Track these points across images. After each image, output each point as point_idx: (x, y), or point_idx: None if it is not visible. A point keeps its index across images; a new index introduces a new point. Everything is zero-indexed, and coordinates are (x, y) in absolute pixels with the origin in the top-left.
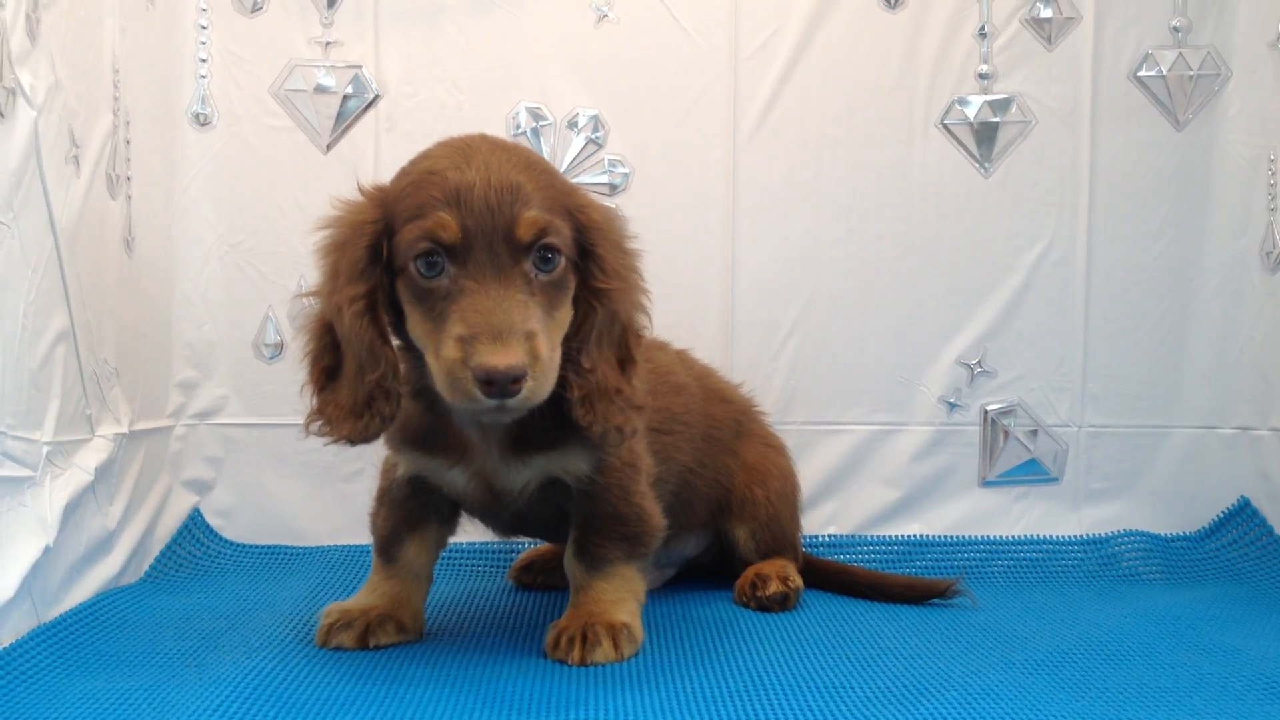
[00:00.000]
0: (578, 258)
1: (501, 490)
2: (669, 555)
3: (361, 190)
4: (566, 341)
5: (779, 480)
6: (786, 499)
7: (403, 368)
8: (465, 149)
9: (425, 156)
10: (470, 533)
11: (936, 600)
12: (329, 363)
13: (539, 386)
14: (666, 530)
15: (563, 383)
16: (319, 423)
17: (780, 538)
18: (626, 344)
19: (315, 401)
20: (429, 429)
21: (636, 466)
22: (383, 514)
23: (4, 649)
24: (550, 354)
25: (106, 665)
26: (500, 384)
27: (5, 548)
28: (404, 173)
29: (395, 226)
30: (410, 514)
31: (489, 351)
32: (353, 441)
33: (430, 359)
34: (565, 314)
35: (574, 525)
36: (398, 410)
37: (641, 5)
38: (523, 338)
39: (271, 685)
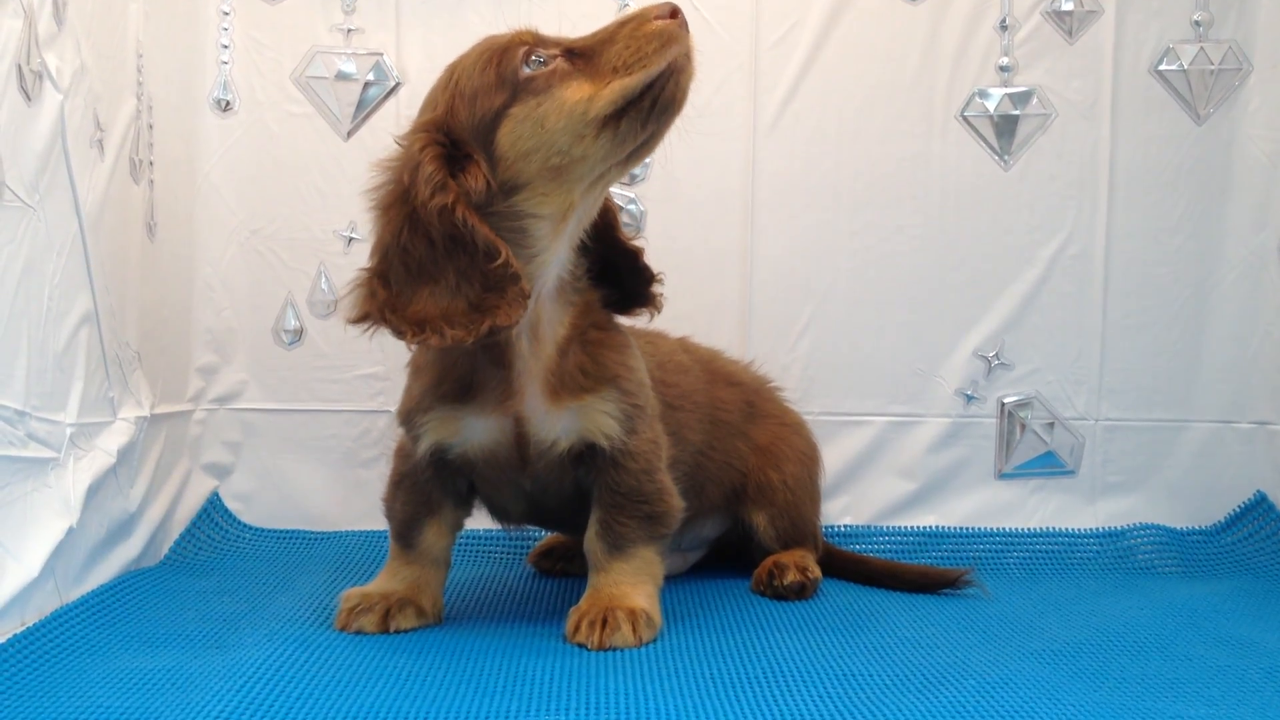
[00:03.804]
0: None
1: (534, 443)
2: (688, 538)
3: (398, 140)
4: None
5: (796, 464)
6: (804, 484)
7: None
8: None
9: (441, 78)
10: (488, 519)
11: (949, 590)
12: (421, 258)
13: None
14: (685, 510)
15: None
16: (413, 323)
17: (800, 526)
18: None
19: (386, 297)
20: (466, 375)
21: (659, 444)
22: (400, 499)
23: (28, 629)
24: None
25: (129, 645)
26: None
27: (30, 528)
28: (431, 99)
29: (468, 112)
30: (428, 497)
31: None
32: (507, 326)
33: (605, 94)
34: None
35: (596, 504)
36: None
37: None
38: None
39: (294, 667)
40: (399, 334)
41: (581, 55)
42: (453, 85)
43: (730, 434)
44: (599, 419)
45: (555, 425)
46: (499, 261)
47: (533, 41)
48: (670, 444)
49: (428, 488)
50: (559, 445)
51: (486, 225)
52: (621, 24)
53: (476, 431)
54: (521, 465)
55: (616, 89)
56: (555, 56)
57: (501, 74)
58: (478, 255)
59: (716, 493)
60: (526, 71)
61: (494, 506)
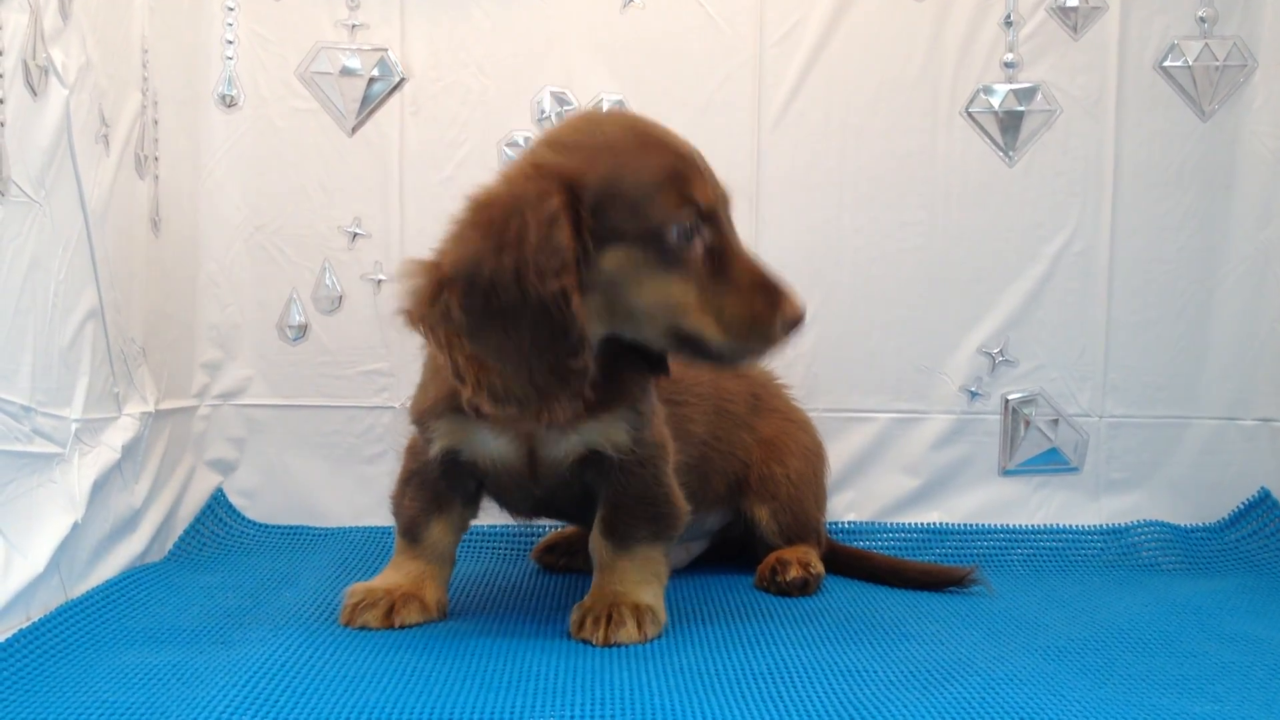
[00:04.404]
0: None
1: (543, 458)
2: (691, 528)
3: (533, 164)
4: None
5: (800, 459)
6: (808, 480)
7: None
8: (634, 123)
9: (596, 134)
10: (492, 515)
11: (954, 588)
12: (468, 325)
13: None
14: (690, 516)
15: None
16: (492, 396)
17: (803, 521)
18: None
19: (468, 369)
20: None
21: (666, 448)
22: (408, 495)
23: (33, 624)
24: None
25: (134, 641)
26: (799, 326)
27: (35, 523)
28: (591, 150)
29: (609, 205)
30: (437, 495)
31: (793, 303)
32: (563, 423)
33: (702, 320)
34: None
35: (603, 503)
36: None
37: None
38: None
39: (298, 662)
40: (458, 375)
41: (716, 253)
42: (606, 147)
43: (735, 425)
44: (609, 433)
45: (566, 443)
46: (579, 363)
47: (703, 194)
48: (675, 444)
49: (437, 486)
50: (569, 458)
51: (585, 319)
52: (764, 278)
53: (488, 443)
54: (531, 475)
55: (703, 331)
56: (700, 234)
57: (660, 201)
58: (563, 344)
59: (721, 484)
60: (671, 234)
61: (503, 503)
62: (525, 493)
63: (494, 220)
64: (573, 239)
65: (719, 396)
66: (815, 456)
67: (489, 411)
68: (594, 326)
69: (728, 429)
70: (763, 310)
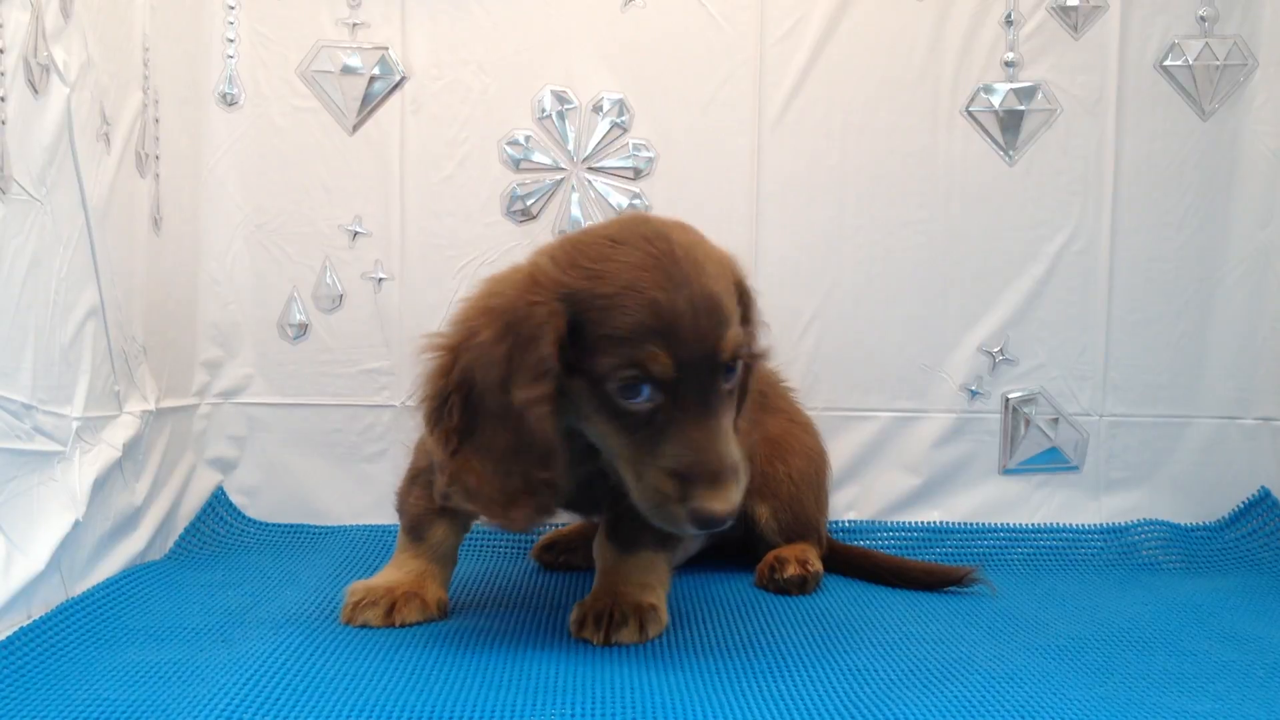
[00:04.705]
0: None
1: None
2: None
3: (537, 270)
4: None
5: (803, 459)
6: (810, 480)
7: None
8: (658, 258)
9: (608, 258)
10: None
11: (955, 588)
12: (460, 422)
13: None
14: None
15: None
16: (463, 495)
17: (803, 520)
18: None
19: (449, 466)
20: None
21: None
22: (415, 493)
23: (34, 621)
24: (746, 468)
25: (135, 639)
26: (715, 525)
27: (36, 521)
28: (586, 271)
29: (586, 332)
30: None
31: (709, 497)
32: (521, 531)
33: (628, 475)
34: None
35: (610, 508)
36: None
37: None
38: (736, 476)
39: (299, 660)
40: (440, 467)
41: (664, 421)
42: (609, 276)
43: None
44: None
45: (581, 469)
46: (547, 475)
47: (657, 366)
48: None
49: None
50: (584, 474)
51: (554, 433)
52: (695, 463)
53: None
54: None
55: (628, 486)
56: (652, 396)
57: (613, 353)
58: (533, 454)
59: None
60: (613, 388)
61: None
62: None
63: (494, 325)
64: (554, 354)
65: None
66: (817, 458)
67: (454, 507)
68: (580, 439)
69: None
70: (673, 496)
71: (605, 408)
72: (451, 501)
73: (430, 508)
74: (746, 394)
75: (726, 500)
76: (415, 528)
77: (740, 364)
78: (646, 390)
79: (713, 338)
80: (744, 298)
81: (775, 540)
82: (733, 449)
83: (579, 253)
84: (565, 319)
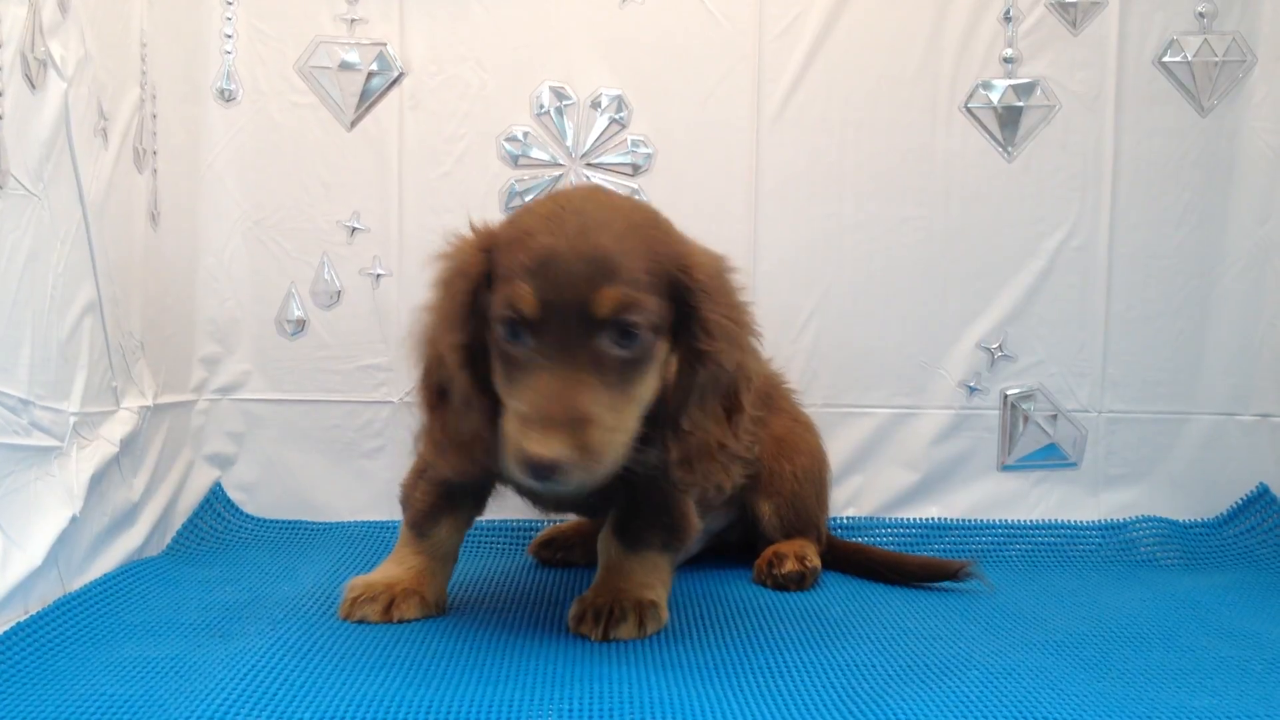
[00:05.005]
0: (678, 321)
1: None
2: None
3: (473, 229)
4: (664, 402)
5: (806, 458)
6: (812, 478)
7: None
8: (563, 209)
9: (529, 210)
10: (490, 510)
11: (950, 582)
12: (437, 382)
13: (591, 473)
14: (700, 527)
15: (657, 440)
16: (425, 444)
17: (804, 517)
18: (735, 392)
19: (425, 420)
20: None
21: None
22: (421, 489)
23: (31, 617)
24: (611, 436)
25: (132, 635)
26: (537, 471)
27: (33, 516)
28: (509, 221)
29: (494, 278)
30: (450, 493)
31: (534, 441)
32: (454, 477)
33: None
34: (647, 386)
35: (618, 507)
36: (493, 459)
37: None
38: (573, 426)
39: (297, 656)
40: (421, 430)
41: (526, 363)
42: (523, 225)
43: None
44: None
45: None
46: (466, 424)
47: (525, 303)
48: None
49: (452, 485)
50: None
51: (468, 381)
52: (532, 411)
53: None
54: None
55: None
56: (523, 339)
57: (499, 292)
58: (458, 404)
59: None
60: (498, 329)
61: (530, 503)
62: (549, 503)
63: (437, 281)
64: (467, 301)
65: None
66: (819, 457)
67: (428, 460)
68: None
69: None
70: (512, 440)
71: (498, 353)
72: (425, 456)
73: (435, 505)
74: (697, 389)
75: (549, 447)
76: (418, 524)
77: (644, 335)
78: (522, 333)
79: (586, 288)
80: (690, 294)
81: (776, 537)
82: (586, 404)
83: (516, 211)
84: (483, 268)
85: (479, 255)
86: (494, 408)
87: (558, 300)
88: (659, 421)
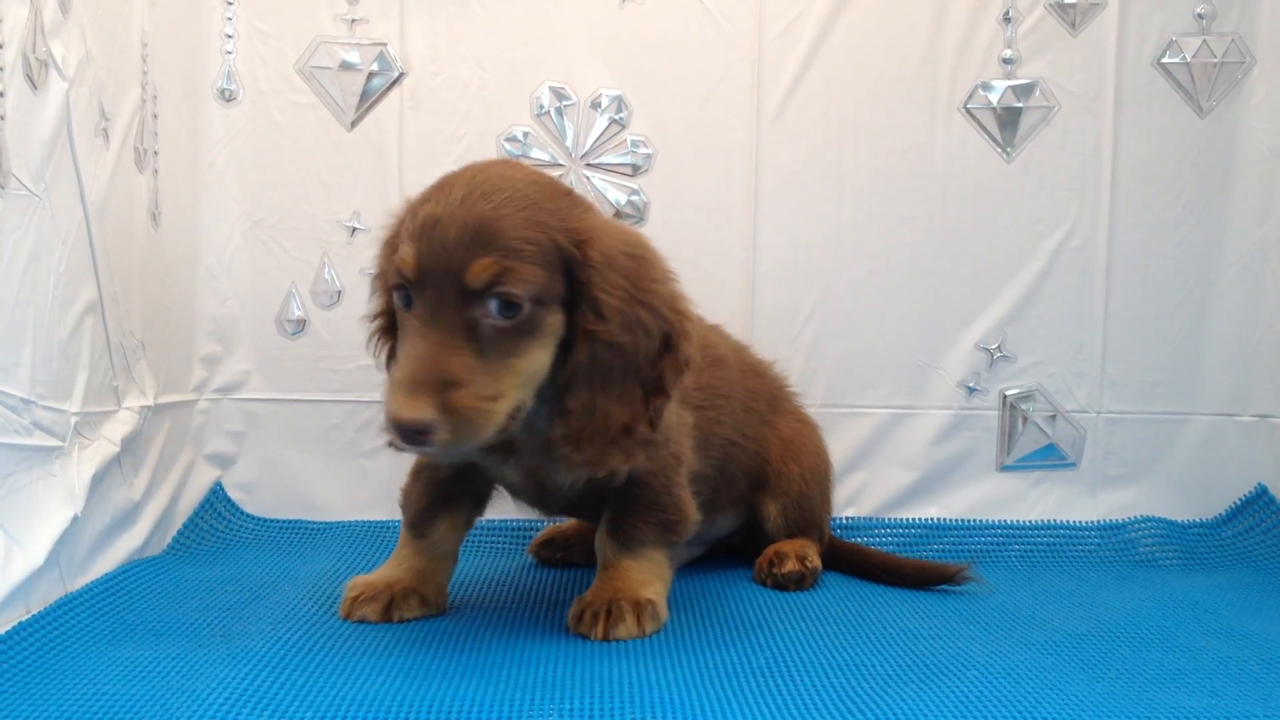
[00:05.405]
0: (570, 297)
1: (551, 486)
2: (703, 535)
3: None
4: (554, 379)
5: (813, 458)
6: (819, 478)
7: None
8: (457, 177)
9: (438, 179)
10: (491, 510)
11: (948, 585)
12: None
13: (459, 437)
14: (700, 523)
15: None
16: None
17: (808, 517)
18: (659, 377)
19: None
20: None
21: (680, 460)
22: (418, 489)
23: (32, 616)
24: (483, 402)
25: (133, 635)
26: (405, 433)
27: (35, 516)
28: (434, 186)
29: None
30: (447, 492)
31: (396, 402)
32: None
33: None
34: (531, 358)
35: (610, 507)
36: None
37: None
38: (436, 389)
39: (298, 655)
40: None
41: (407, 326)
42: (430, 192)
43: (759, 423)
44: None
45: (568, 475)
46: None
47: (404, 263)
48: (698, 438)
49: (448, 484)
50: (577, 484)
51: (384, 353)
52: (402, 372)
53: (499, 469)
54: (544, 494)
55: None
56: (410, 301)
57: (386, 254)
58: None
59: (742, 482)
60: (391, 291)
61: (522, 504)
62: (544, 505)
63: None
64: (387, 270)
65: (746, 395)
66: (824, 457)
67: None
68: None
69: (754, 426)
70: (387, 400)
71: (404, 322)
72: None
73: (432, 505)
74: (586, 368)
75: (411, 408)
76: (416, 524)
77: (526, 306)
78: (409, 297)
79: (461, 255)
80: (581, 269)
81: (781, 537)
82: (452, 368)
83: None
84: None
85: (396, 225)
86: None
87: (434, 267)
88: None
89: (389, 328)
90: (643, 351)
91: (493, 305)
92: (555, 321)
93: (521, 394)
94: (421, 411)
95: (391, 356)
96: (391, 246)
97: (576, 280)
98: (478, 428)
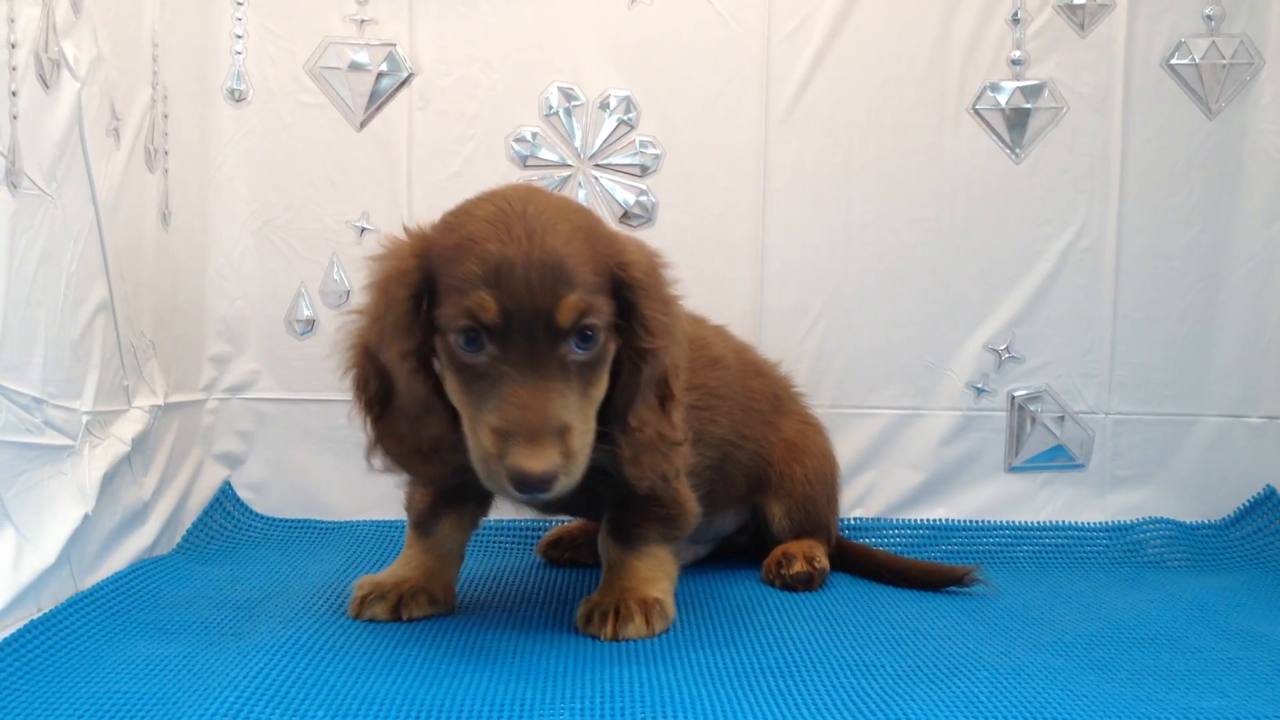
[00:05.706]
0: (619, 316)
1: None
2: (705, 532)
3: (406, 232)
4: (609, 400)
5: (817, 459)
6: (824, 479)
7: None
8: (507, 214)
9: (468, 214)
10: (501, 510)
11: (955, 587)
12: (377, 389)
13: (571, 479)
14: (701, 516)
15: (609, 437)
16: (383, 458)
17: (814, 518)
18: (666, 380)
19: (372, 432)
20: None
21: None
22: (419, 490)
23: (44, 614)
24: (584, 440)
25: (144, 633)
26: (533, 487)
27: (46, 515)
28: (447, 225)
29: (437, 285)
30: (449, 492)
31: (524, 455)
32: (435, 487)
33: (467, 433)
34: (602, 385)
35: (611, 504)
36: (465, 457)
37: None
38: (557, 437)
39: (308, 654)
40: (368, 438)
41: (496, 373)
42: (464, 230)
43: (760, 423)
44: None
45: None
46: (429, 430)
47: (485, 310)
48: (692, 438)
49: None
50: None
51: (424, 389)
52: (514, 421)
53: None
54: None
55: (469, 443)
56: (485, 347)
57: (453, 302)
58: (417, 411)
59: (742, 483)
60: (454, 339)
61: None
62: (537, 504)
63: (372, 288)
64: (411, 309)
65: (746, 395)
66: (829, 459)
67: (381, 470)
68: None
69: (753, 426)
70: (492, 454)
71: (453, 363)
72: (376, 466)
73: (435, 504)
74: (641, 386)
75: (542, 459)
76: (420, 523)
77: (601, 336)
78: (482, 342)
79: (548, 296)
80: (630, 289)
81: (787, 539)
82: (562, 412)
83: (451, 213)
84: (421, 274)
85: (415, 260)
86: (450, 412)
87: (519, 310)
88: (606, 418)
89: (383, 396)
90: (671, 359)
91: (576, 341)
92: (613, 346)
93: (595, 422)
94: (551, 461)
95: (377, 422)
96: (402, 286)
97: (622, 300)
98: (582, 466)
